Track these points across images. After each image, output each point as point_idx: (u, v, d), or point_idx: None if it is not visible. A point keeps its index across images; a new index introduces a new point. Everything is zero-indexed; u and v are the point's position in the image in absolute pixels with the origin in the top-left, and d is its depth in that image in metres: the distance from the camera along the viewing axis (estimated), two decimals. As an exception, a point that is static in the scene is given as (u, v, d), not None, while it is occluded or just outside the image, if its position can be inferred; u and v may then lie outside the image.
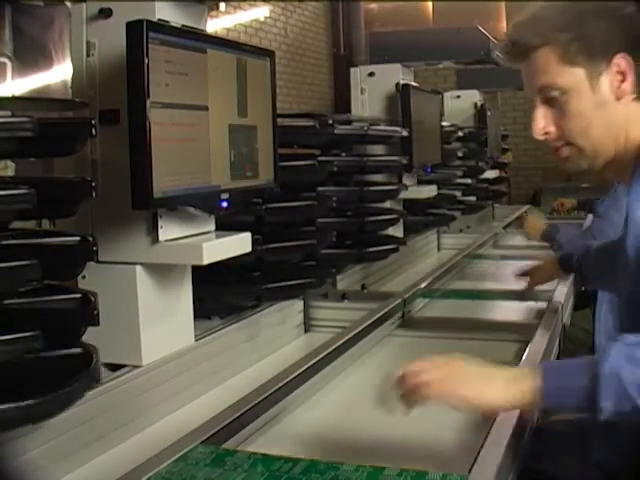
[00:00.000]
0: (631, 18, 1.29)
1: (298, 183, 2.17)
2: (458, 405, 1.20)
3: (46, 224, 1.71)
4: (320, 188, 2.29)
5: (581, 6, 1.32)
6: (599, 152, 1.35)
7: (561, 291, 2.41)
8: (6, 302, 1.23)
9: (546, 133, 1.37)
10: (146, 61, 1.38)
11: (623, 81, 1.30)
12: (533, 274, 2.39)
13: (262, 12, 7.82)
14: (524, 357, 1.76)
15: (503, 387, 1.18)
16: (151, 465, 1.21)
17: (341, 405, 1.67)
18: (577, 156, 1.37)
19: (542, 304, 2.35)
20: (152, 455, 1.25)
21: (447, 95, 4.55)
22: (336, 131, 2.34)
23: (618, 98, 1.31)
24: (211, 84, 1.57)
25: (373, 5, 10.00)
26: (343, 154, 2.55)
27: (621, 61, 1.30)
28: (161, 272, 1.61)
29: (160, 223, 1.54)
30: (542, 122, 1.36)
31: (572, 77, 1.32)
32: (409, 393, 1.22)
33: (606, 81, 1.31)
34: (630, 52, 1.29)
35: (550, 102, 1.35)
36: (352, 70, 3.24)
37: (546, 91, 1.34)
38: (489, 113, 4.50)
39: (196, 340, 1.74)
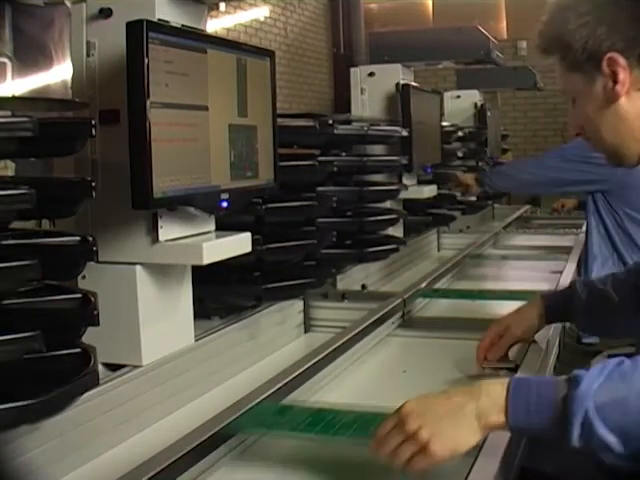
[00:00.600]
0: (612, 18, 1.27)
1: (298, 183, 2.16)
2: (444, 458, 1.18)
3: (46, 224, 1.71)
4: (320, 188, 2.29)
5: (562, 15, 1.32)
6: (623, 151, 1.35)
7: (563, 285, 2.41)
8: (6, 302, 1.23)
9: (579, 134, 1.41)
10: (146, 61, 1.38)
11: (617, 82, 1.29)
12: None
13: (262, 12, 7.82)
14: (525, 358, 1.76)
15: (472, 428, 1.17)
16: (151, 465, 1.21)
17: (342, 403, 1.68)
18: (607, 155, 1.40)
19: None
20: (152, 455, 1.25)
21: (447, 95, 4.55)
22: (336, 131, 2.34)
23: (613, 100, 1.30)
24: (211, 84, 1.57)
25: (373, 5, 10.01)
26: (343, 154, 2.55)
27: (610, 62, 1.28)
28: (161, 272, 1.61)
29: (160, 223, 1.54)
30: (572, 124, 1.41)
31: (575, 83, 1.35)
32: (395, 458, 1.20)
33: (601, 84, 1.31)
34: (620, 51, 1.27)
35: (572, 104, 1.40)
36: (352, 70, 3.23)
37: (564, 94, 1.40)
38: (489, 113, 4.50)
39: (196, 340, 1.74)
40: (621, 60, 1.27)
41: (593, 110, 1.34)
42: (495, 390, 1.18)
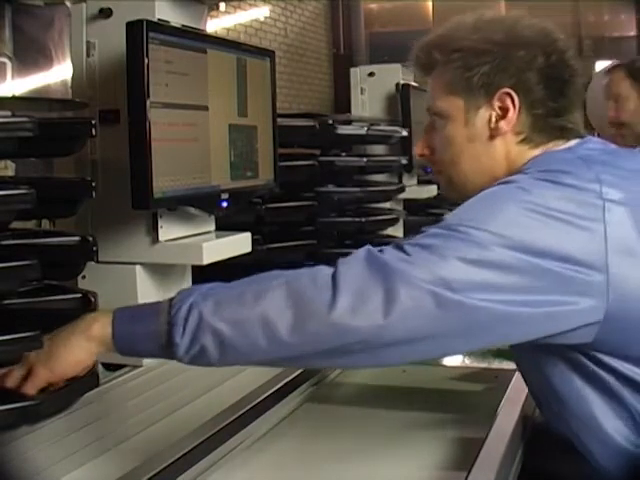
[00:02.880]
0: (523, 59, 1.24)
1: (298, 183, 2.16)
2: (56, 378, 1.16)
3: (46, 224, 1.71)
4: (320, 188, 2.29)
5: (469, 34, 1.28)
6: (467, 185, 1.29)
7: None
8: (6, 302, 1.23)
9: (422, 155, 1.36)
10: (146, 61, 1.38)
11: (503, 118, 1.25)
12: None
13: (262, 12, 7.82)
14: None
15: (80, 345, 1.15)
16: (151, 465, 1.21)
17: (344, 401, 1.68)
18: (447, 185, 1.35)
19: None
20: (152, 455, 1.25)
21: (447, 95, 4.54)
22: (336, 131, 2.34)
23: (492, 136, 1.26)
24: (211, 84, 1.57)
25: (373, 5, 10.00)
26: (343, 154, 2.55)
27: (505, 97, 1.24)
28: (161, 272, 1.61)
29: (160, 223, 1.54)
30: (421, 143, 1.36)
31: (451, 104, 1.28)
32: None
33: (484, 115, 1.26)
34: (522, 92, 1.24)
35: (433, 125, 1.33)
36: (352, 70, 3.23)
37: (431, 113, 1.33)
38: (489, 113, 4.49)
39: (196, 340, 1.73)
40: (516, 99, 1.24)
41: (462, 138, 1.28)
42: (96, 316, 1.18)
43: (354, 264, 1.11)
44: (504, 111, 1.25)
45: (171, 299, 1.14)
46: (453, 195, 1.35)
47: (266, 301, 1.10)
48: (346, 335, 1.06)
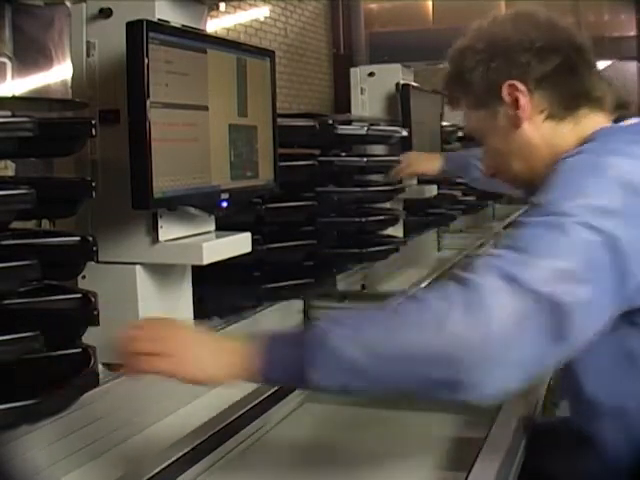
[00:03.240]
0: (505, 50, 1.30)
1: (298, 183, 2.16)
2: (181, 380, 1.16)
3: (46, 224, 1.71)
4: (320, 188, 2.29)
5: (460, 56, 1.37)
6: (531, 177, 1.34)
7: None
8: (6, 302, 1.23)
9: (493, 174, 1.42)
10: (146, 61, 1.38)
11: (517, 108, 1.30)
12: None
13: (262, 12, 7.82)
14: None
15: (222, 362, 1.14)
16: (151, 465, 1.21)
17: (344, 401, 1.68)
18: (520, 186, 1.41)
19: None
20: (152, 455, 1.25)
21: (447, 95, 4.53)
22: (336, 131, 2.34)
23: (517, 126, 1.31)
24: (211, 84, 1.57)
25: (373, 5, 10.00)
26: (343, 154, 2.55)
27: (509, 89, 1.29)
28: (161, 272, 1.61)
29: (160, 223, 1.54)
30: (486, 165, 1.43)
31: (480, 120, 1.36)
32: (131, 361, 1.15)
33: (504, 113, 1.32)
34: (517, 78, 1.29)
35: (481, 142, 1.41)
36: (352, 70, 3.23)
37: (473, 133, 1.41)
38: (489, 113, 4.49)
39: (196, 340, 1.73)
40: (520, 86, 1.28)
41: (500, 142, 1.35)
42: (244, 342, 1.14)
43: (483, 279, 1.06)
44: (516, 102, 1.30)
45: (311, 327, 1.12)
46: (531, 191, 1.36)
47: (410, 336, 1.06)
48: (461, 346, 1.02)
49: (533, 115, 1.30)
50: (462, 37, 1.40)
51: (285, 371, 1.10)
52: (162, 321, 1.25)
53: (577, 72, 1.31)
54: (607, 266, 1.07)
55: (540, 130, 1.32)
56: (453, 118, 4.30)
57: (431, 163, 2.80)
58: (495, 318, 1.02)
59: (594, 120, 1.31)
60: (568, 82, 1.31)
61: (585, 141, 1.26)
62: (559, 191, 1.16)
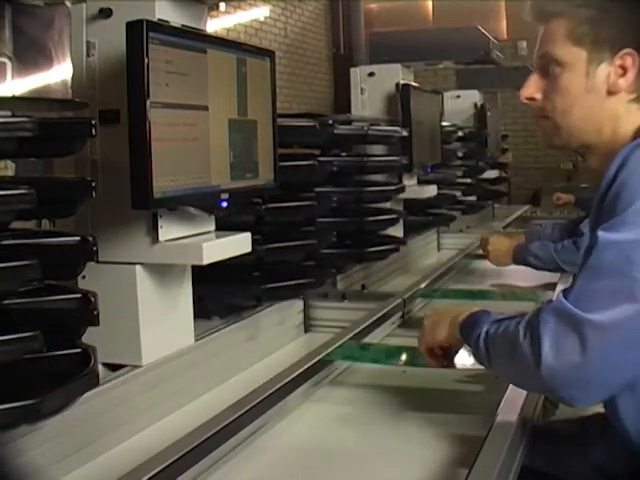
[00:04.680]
0: None
1: (298, 183, 2.16)
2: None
3: (46, 224, 1.71)
4: (320, 188, 2.29)
5: None
6: (573, 136, 1.34)
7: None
8: (6, 302, 1.23)
9: (532, 99, 1.37)
10: (146, 61, 1.38)
11: (622, 76, 1.28)
12: None
13: (262, 12, 7.82)
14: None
15: (447, 329, 1.47)
16: (151, 465, 1.21)
17: (344, 401, 1.68)
18: (552, 131, 1.37)
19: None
20: (152, 455, 1.25)
21: (447, 95, 4.54)
22: (336, 131, 2.34)
23: (610, 92, 1.30)
24: (211, 84, 1.57)
25: (373, 5, 10.00)
26: (343, 154, 2.55)
27: (627, 57, 1.27)
28: (161, 272, 1.61)
29: (160, 223, 1.54)
30: (532, 87, 1.37)
31: (572, 54, 1.30)
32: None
33: (605, 71, 1.29)
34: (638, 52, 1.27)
35: (546, 72, 1.35)
36: (352, 70, 3.23)
37: (545, 59, 1.34)
38: (489, 113, 4.50)
39: (196, 340, 1.74)
40: (638, 61, 1.27)
41: (580, 88, 1.31)
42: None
43: (550, 320, 1.17)
44: (624, 69, 1.28)
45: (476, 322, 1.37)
46: (556, 141, 1.38)
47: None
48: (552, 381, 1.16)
49: (627, 91, 1.29)
50: None
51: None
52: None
53: None
54: None
55: (618, 107, 1.30)
56: (453, 118, 4.32)
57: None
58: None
59: None
60: None
61: None
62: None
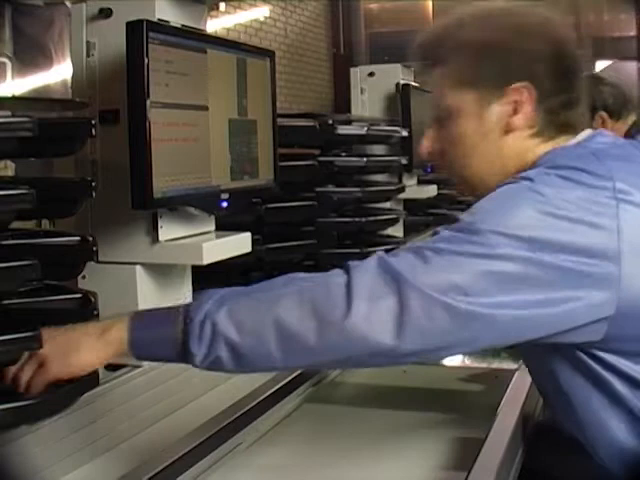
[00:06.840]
0: (533, 50, 1.21)
1: (298, 183, 2.16)
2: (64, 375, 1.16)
3: (46, 224, 1.70)
4: (320, 188, 2.29)
5: (475, 29, 1.24)
6: (481, 183, 1.27)
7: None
8: (6, 302, 1.23)
9: (430, 153, 1.32)
10: (146, 61, 1.38)
11: (515, 113, 1.22)
12: None
13: (262, 12, 7.81)
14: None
15: (93, 346, 1.15)
16: (151, 465, 1.21)
17: (344, 401, 1.68)
18: (460, 183, 1.33)
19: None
20: (152, 455, 1.25)
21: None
22: (336, 131, 2.34)
23: (506, 131, 1.23)
24: (211, 84, 1.57)
25: (373, 5, 10.00)
26: (343, 154, 2.55)
27: (522, 90, 1.21)
28: (161, 272, 1.61)
29: (160, 223, 1.54)
30: (428, 142, 1.31)
31: (461, 100, 1.24)
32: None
33: (496, 110, 1.22)
34: (534, 84, 1.20)
35: (441, 122, 1.28)
36: (352, 70, 3.24)
37: (437, 110, 1.29)
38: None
39: (196, 340, 1.73)
40: (534, 93, 1.21)
41: (475, 134, 1.24)
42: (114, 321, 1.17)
43: (367, 272, 1.09)
44: (518, 105, 1.22)
45: (187, 305, 1.14)
46: (467, 191, 1.34)
47: (280, 310, 1.09)
48: (360, 346, 1.06)
49: (523, 127, 1.23)
50: (483, 6, 1.28)
51: (164, 351, 1.13)
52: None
53: (577, 95, 1.26)
54: None
55: (520, 144, 1.24)
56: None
57: None
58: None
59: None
60: (567, 104, 1.24)
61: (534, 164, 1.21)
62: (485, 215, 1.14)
